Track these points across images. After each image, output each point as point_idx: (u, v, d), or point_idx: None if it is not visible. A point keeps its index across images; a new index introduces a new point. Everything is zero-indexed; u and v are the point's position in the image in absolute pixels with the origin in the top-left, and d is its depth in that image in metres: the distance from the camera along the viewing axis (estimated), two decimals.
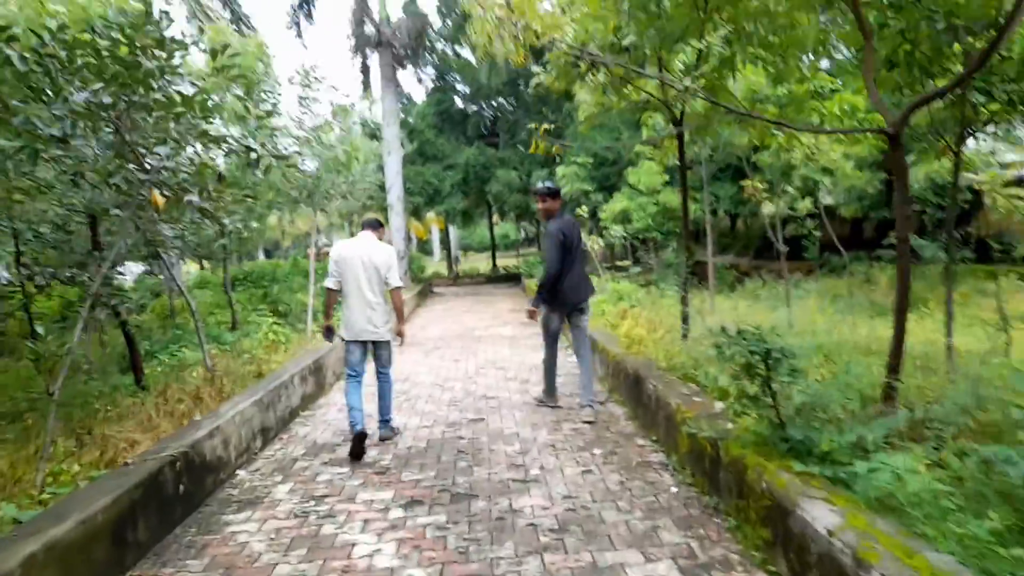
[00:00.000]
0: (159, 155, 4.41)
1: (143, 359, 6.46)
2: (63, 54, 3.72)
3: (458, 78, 25.37)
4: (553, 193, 5.67)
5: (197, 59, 8.91)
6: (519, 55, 5.68)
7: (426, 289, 20.41)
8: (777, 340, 3.36)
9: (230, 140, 4.93)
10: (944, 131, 6.10)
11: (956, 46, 5.08)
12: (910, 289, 3.96)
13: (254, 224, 11.38)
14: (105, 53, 3.80)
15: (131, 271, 15.12)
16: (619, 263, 18.09)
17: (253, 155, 5.14)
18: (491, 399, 6.34)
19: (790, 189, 10.15)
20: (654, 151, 11.59)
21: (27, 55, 3.59)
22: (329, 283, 4.97)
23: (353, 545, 3.26)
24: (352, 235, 5.47)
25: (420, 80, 32.65)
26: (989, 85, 5.24)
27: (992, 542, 2.28)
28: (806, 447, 3.16)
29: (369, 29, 20.76)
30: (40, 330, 4.08)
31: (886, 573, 2.11)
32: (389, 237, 18.53)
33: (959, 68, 5.36)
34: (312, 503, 3.85)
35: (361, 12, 20.80)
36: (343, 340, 5.08)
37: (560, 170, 17.42)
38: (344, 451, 4.86)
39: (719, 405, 4.12)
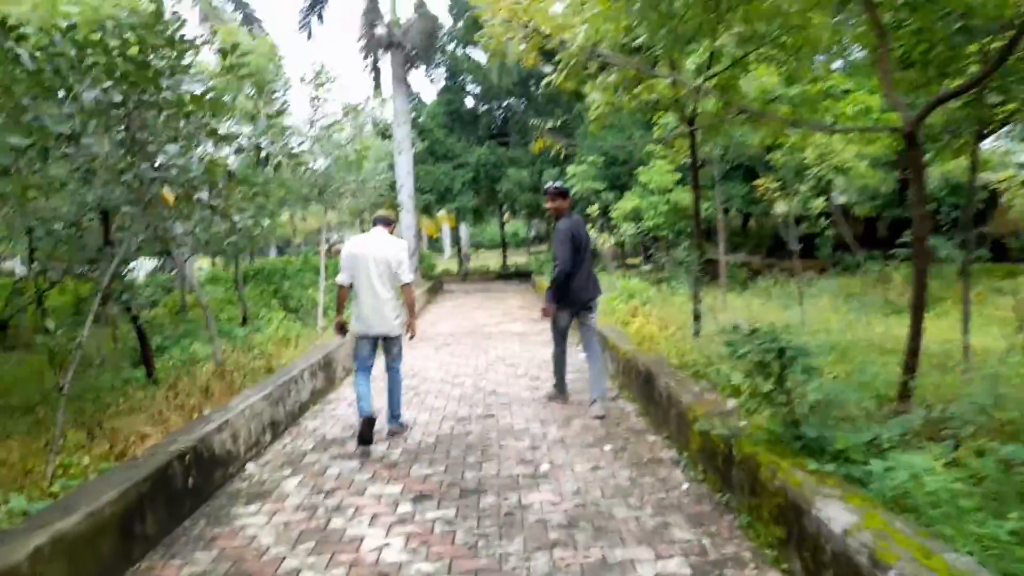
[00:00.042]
0: (169, 153, 4.41)
1: (154, 353, 6.49)
2: (73, 53, 3.73)
3: (469, 78, 25.35)
4: (563, 193, 5.72)
5: (209, 59, 8.97)
6: (529, 59, 5.66)
7: (437, 286, 20.42)
8: (791, 338, 3.32)
9: (239, 138, 4.94)
10: (960, 131, 6.03)
11: (973, 45, 5.01)
12: (927, 288, 3.91)
13: (265, 221, 11.44)
14: (115, 52, 3.80)
15: (144, 267, 15.25)
16: (630, 261, 18.03)
17: (263, 153, 5.16)
18: (501, 395, 6.32)
19: (803, 188, 10.06)
20: (665, 150, 11.54)
21: (37, 54, 3.61)
22: (341, 279, 5.01)
23: (361, 539, 3.25)
24: (364, 231, 5.49)
25: (431, 80, 32.66)
26: (1006, 85, 5.16)
27: (1012, 543, 2.23)
28: (820, 445, 3.12)
29: (380, 30, 20.80)
30: (50, 325, 4.08)
31: (904, 574, 2.07)
32: (399, 234, 18.56)
33: (973, 68, 5.30)
34: (321, 497, 3.84)
35: (372, 14, 20.85)
36: (355, 335, 5.12)
37: (571, 169, 17.36)
38: (353, 446, 4.86)
39: (731, 403, 4.07)
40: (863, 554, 2.25)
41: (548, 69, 6.09)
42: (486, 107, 26.02)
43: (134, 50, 3.87)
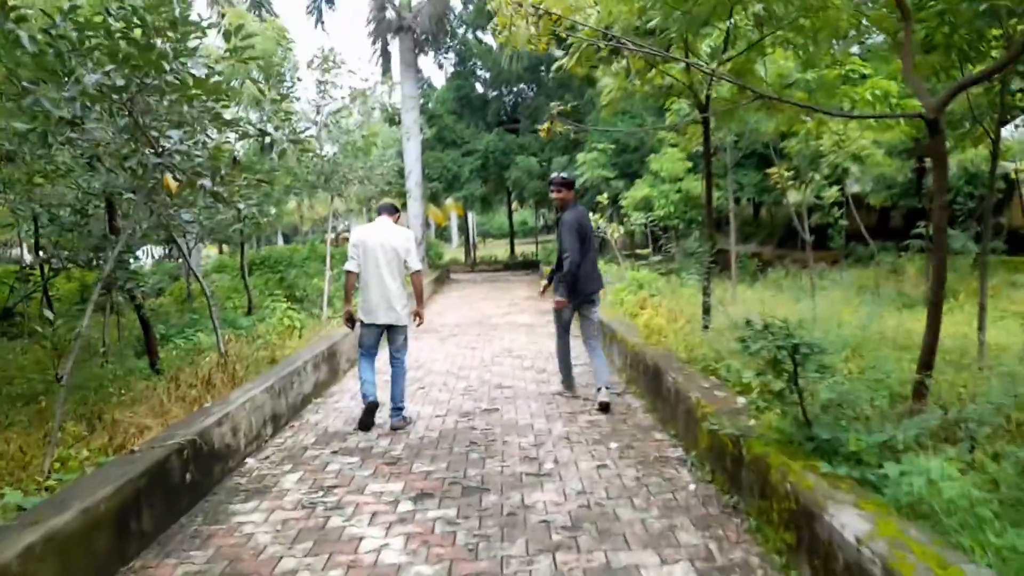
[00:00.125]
0: (172, 138, 4.34)
1: (159, 343, 6.46)
2: (74, 35, 3.64)
3: (479, 63, 25.13)
4: (568, 183, 5.71)
5: (216, 43, 8.86)
6: (541, 43, 5.53)
7: (443, 275, 20.36)
8: (804, 334, 3.21)
9: (244, 124, 4.85)
10: (981, 117, 5.86)
11: (995, 30, 4.84)
12: (945, 281, 3.78)
13: (272, 209, 11.39)
14: (118, 35, 3.71)
15: (153, 255, 15.28)
16: (639, 251, 17.86)
17: (267, 139, 5.08)
18: (506, 388, 6.25)
19: (817, 177, 9.88)
20: (677, 137, 11.36)
21: (38, 36, 3.52)
22: (350, 266, 5.03)
23: (360, 539, 3.18)
24: (371, 220, 5.47)
25: (440, 65, 32.39)
26: None
27: None
28: (833, 447, 3.02)
29: (390, 14, 20.64)
30: (50, 314, 4.02)
31: None
32: (406, 222, 18.49)
33: (995, 53, 5.12)
34: (320, 494, 3.78)
35: None
36: (360, 322, 5.12)
37: (581, 156, 17.19)
38: (355, 440, 4.80)
39: (741, 400, 3.97)
40: (877, 564, 2.16)
41: (559, 54, 5.95)
42: (496, 93, 25.82)
43: (137, 32, 3.78)
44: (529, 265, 24.82)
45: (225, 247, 20.23)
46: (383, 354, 5.26)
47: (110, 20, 3.72)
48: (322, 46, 9.81)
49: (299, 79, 11.52)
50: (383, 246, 5.00)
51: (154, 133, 4.35)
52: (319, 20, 22.25)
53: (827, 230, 11.48)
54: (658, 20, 5.58)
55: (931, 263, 4.38)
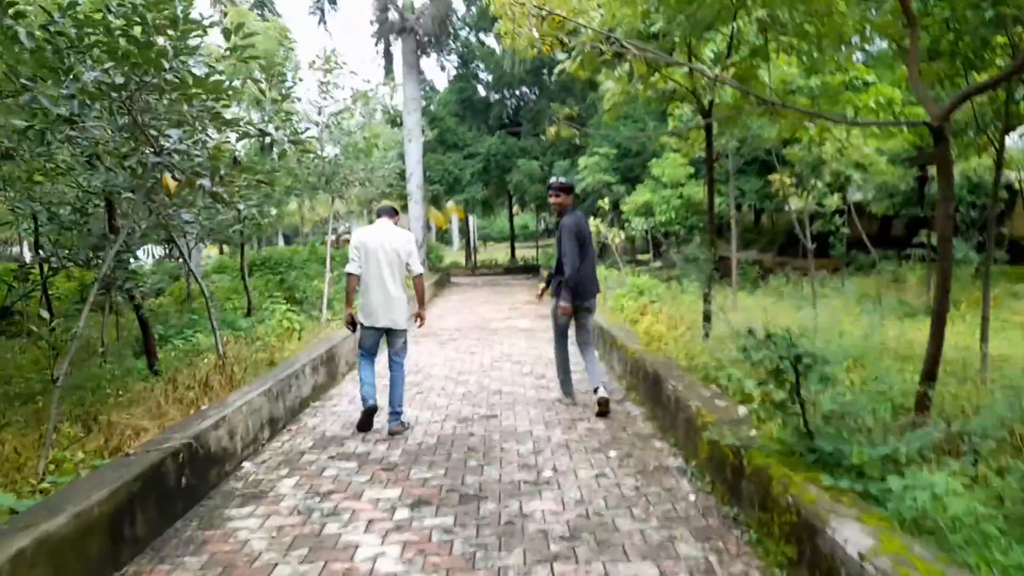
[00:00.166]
0: (171, 137, 4.31)
1: (157, 344, 6.43)
2: (73, 32, 3.61)
3: (481, 66, 25.15)
4: (567, 188, 5.70)
5: (219, 42, 8.84)
6: (545, 45, 5.51)
7: (444, 279, 20.32)
8: (807, 344, 3.18)
9: (244, 124, 4.81)
10: (985, 126, 5.84)
11: (1000, 38, 4.82)
12: (950, 292, 3.75)
13: (273, 210, 11.36)
14: (118, 32, 3.69)
15: (153, 254, 15.25)
16: (640, 257, 17.83)
17: (267, 139, 5.04)
18: (505, 394, 6.21)
19: (819, 184, 9.85)
20: (680, 143, 11.33)
21: (37, 32, 3.50)
22: (351, 268, 5.02)
23: (356, 546, 3.14)
24: (371, 222, 5.47)
25: (443, 67, 32.57)
26: None
27: None
28: (835, 459, 2.98)
29: (392, 15, 20.63)
30: (46, 314, 3.99)
31: None
32: (407, 225, 18.48)
33: (1000, 61, 5.10)
34: (317, 500, 3.74)
35: None
36: (360, 324, 5.12)
37: (583, 161, 17.18)
38: (353, 445, 4.77)
39: (742, 410, 3.93)
40: None
41: (562, 57, 5.93)
42: (498, 96, 25.83)
43: (137, 30, 3.75)
44: (530, 269, 24.78)
45: (225, 247, 20.20)
46: (383, 357, 5.24)
47: (110, 17, 3.70)
48: (324, 47, 9.80)
49: (300, 79, 11.52)
50: (384, 248, 4.99)
51: (153, 132, 4.32)
52: (321, 20, 22.37)
53: (828, 238, 11.45)
54: (661, 24, 5.56)
55: (935, 273, 4.35)
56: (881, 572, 2.14)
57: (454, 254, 36.20)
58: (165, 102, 4.30)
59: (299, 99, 9.36)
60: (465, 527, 3.33)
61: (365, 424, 5.06)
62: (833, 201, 10.55)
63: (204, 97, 4.26)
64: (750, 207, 20.21)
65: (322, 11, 21.97)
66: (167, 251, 13.62)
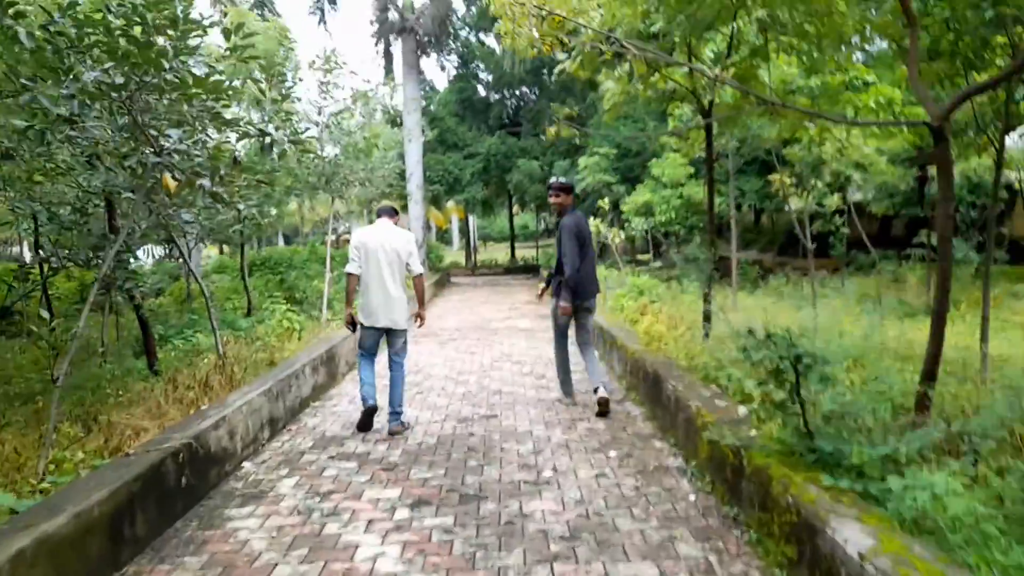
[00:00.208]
0: (171, 137, 4.31)
1: (157, 343, 6.42)
2: (73, 32, 3.61)
3: (481, 66, 25.15)
4: (567, 188, 5.71)
5: (219, 42, 8.84)
6: (545, 46, 5.52)
7: (444, 279, 20.32)
8: (807, 344, 3.18)
9: (243, 124, 4.81)
10: (985, 126, 5.84)
11: (1000, 37, 4.82)
12: (950, 292, 3.75)
13: (273, 210, 11.36)
14: (118, 32, 3.69)
15: (154, 254, 15.24)
16: (640, 257, 17.83)
17: (267, 139, 5.04)
18: (505, 394, 6.21)
19: (819, 184, 9.85)
20: (680, 143, 11.33)
21: (37, 32, 3.50)
22: (351, 268, 5.03)
23: (356, 546, 3.14)
24: (371, 223, 5.48)
25: (443, 67, 32.58)
26: None
27: None
28: (835, 459, 2.98)
29: (393, 15, 20.63)
30: (46, 314, 3.99)
31: None
32: (407, 225, 18.48)
33: (999, 61, 5.10)
34: (317, 500, 3.74)
35: None
36: (360, 324, 5.13)
37: (582, 161, 17.18)
38: (353, 445, 4.77)
39: (742, 410, 3.93)
40: None
41: (562, 57, 5.93)
42: (498, 96, 25.83)
43: (137, 30, 3.75)
44: (530, 269, 24.79)
45: (226, 247, 20.20)
46: (383, 357, 5.24)
47: (110, 17, 3.70)
48: (324, 47, 9.80)
49: (300, 79, 11.52)
50: (384, 248, 5.00)
51: (153, 132, 4.32)
52: (321, 20, 22.39)
53: (828, 238, 11.45)
54: (661, 24, 5.56)
55: (935, 273, 4.35)
56: (881, 572, 2.13)
57: (454, 254, 36.20)
58: (165, 102, 4.29)
59: (299, 99, 9.36)
60: (465, 527, 3.33)
61: (365, 424, 5.06)
62: (833, 201, 10.55)
63: (204, 97, 4.25)
64: (750, 207, 20.22)
65: (322, 11, 21.99)
66: (167, 251, 13.63)
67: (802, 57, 5.65)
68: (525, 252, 31.29)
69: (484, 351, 8.63)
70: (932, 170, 13.18)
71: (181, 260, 9.12)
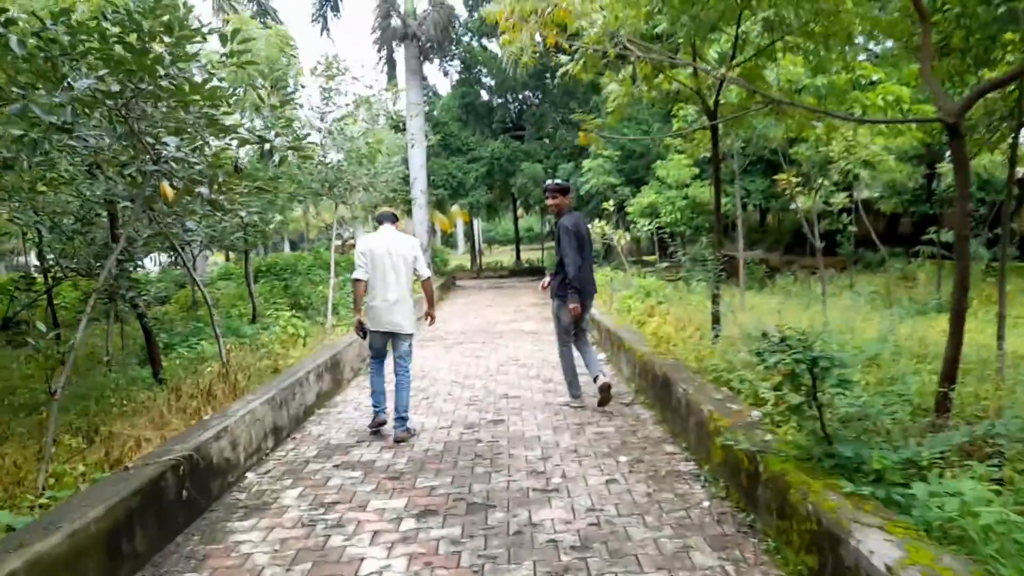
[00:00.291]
0: (168, 145, 4.25)
1: (162, 352, 6.37)
2: (66, 39, 3.55)
3: (483, 71, 25.08)
4: (563, 189, 5.77)
5: (220, 49, 8.81)
6: (550, 37, 5.46)
7: (449, 282, 20.27)
8: (823, 346, 3.09)
9: (242, 130, 4.75)
10: (998, 122, 5.74)
11: (1010, 34, 4.74)
12: (967, 291, 3.65)
13: (277, 216, 11.30)
14: (113, 39, 3.63)
15: (159, 262, 15.23)
16: (645, 258, 17.71)
17: (267, 146, 4.98)
18: (512, 398, 6.12)
19: (826, 183, 9.75)
20: (685, 144, 11.25)
21: (29, 40, 3.44)
22: (358, 274, 5.04)
23: (361, 559, 3.06)
24: (375, 228, 5.45)
25: (445, 73, 32.45)
26: None
27: None
28: (855, 464, 2.88)
29: (395, 22, 20.63)
30: (42, 327, 3.92)
31: None
32: (411, 229, 18.45)
33: (1010, 57, 5.00)
34: (321, 511, 3.65)
35: (387, 4, 20.66)
36: (368, 329, 5.15)
37: (587, 163, 17.09)
38: (359, 453, 4.69)
39: (756, 413, 3.83)
40: None
41: (565, 60, 5.87)
42: (501, 100, 25.77)
43: (133, 37, 3.69)
44: (535, 272, 24.72)
45: (231, 254, 20.19)
46: (389, 362, 5.20)
47: (105, 24, 3.64)
48: (326, 53, 9.74)
49: (303, 86, 11.47)
50: (391, 253, 5.03)
51: (150, 140, 4.26)
52: (324, 28, 22.28)
53: (836, 236, 11.34)
54: (665, 25, 5.49)
55: (945, 270, 4.25)
56: None
57: (459, 257, 36.15)
58: (163, 109, 4.24)
59: (301, 105, 9.32)
60: (473, 538, 3.24)
61: (375, 430, 5.15)
62: (840, 199, 10.44)
63: (201, 104, 4.19)
64: (755, 207, 20.05)
65: (325, 19, 21.98)
66: (172, 259, 13.62)
67: (808, 56, 5.57)
68: (530, 254, 31.24)
69: (490, 355, 8.55)
70: (940, 167, 13.05)
71: (184, 268, 9.08)
